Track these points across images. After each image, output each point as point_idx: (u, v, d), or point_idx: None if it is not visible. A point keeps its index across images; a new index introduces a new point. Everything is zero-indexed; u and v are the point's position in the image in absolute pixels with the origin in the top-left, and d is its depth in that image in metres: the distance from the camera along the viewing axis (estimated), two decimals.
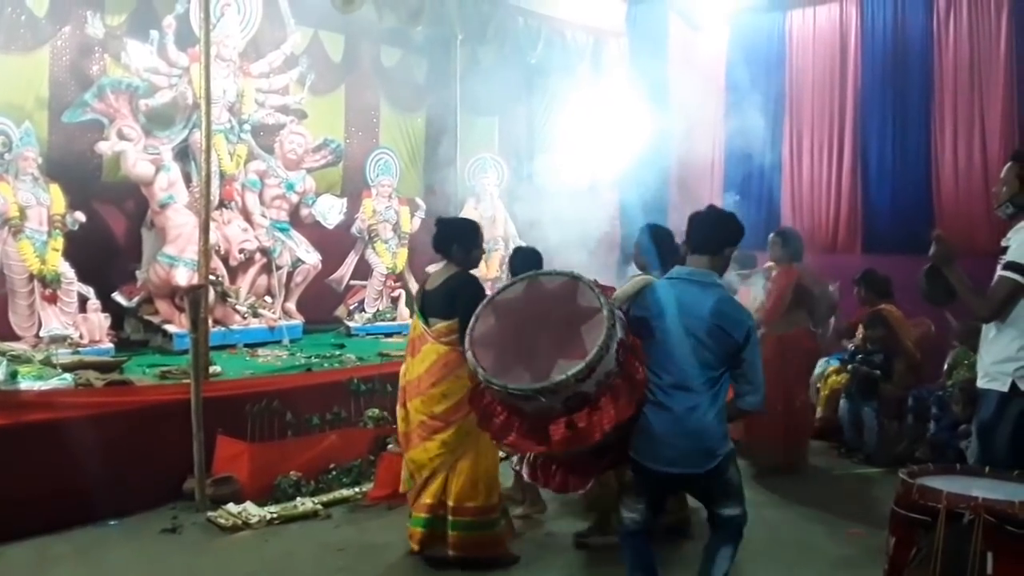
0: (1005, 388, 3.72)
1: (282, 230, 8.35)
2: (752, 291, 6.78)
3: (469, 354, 2.97)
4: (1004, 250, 3.84)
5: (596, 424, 2.91)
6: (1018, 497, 2.91)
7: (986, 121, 8.09)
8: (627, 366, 3.06)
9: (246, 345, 7.68)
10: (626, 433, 3.18)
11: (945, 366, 6.51)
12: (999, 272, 3.78)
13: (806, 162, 9.28)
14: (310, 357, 7.32)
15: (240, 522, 4.94)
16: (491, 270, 9.58)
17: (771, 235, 6.47)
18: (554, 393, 2.85)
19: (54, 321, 6.76)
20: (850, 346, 7.01)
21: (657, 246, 4.57)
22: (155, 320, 7.54)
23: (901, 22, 8.64)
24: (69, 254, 6.94)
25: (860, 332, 6.98)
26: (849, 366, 6.74)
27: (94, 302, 7.04)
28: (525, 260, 5.33)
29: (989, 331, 3.85)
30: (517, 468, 3.20)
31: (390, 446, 5.76)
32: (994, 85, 8.03)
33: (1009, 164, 3.94)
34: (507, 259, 9.45)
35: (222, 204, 7.90)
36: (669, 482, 3.36)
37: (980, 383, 3.88)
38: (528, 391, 2.85)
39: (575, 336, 2.94)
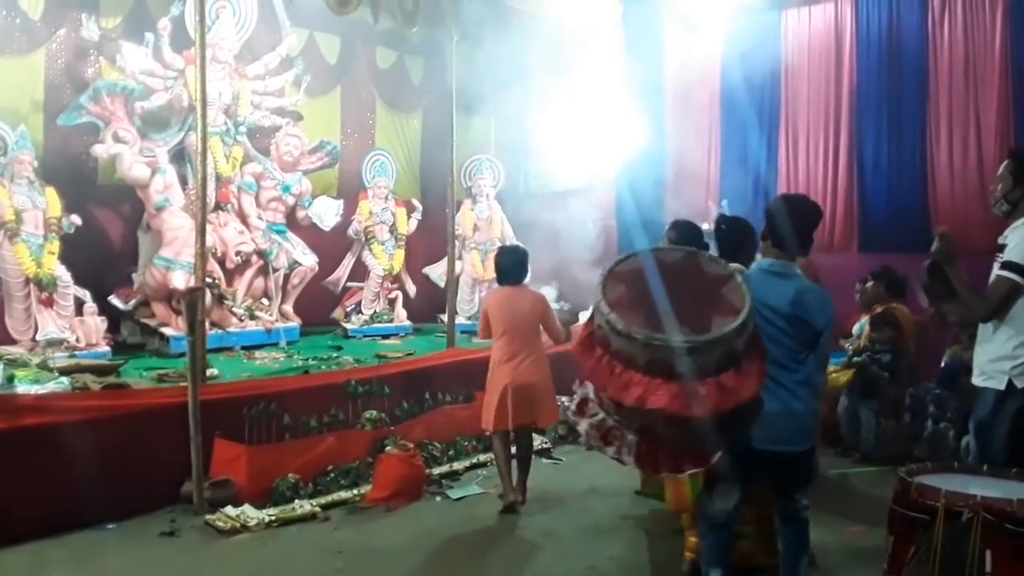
0: (1002, 386, 3.73)
1: (278, 232, 8.34)
2: None
3: (613, 316, 2.86)
4: (1001, 248, 3.84)
5: (744, 384, 2.93)
6: (1016, 495, 2.92)
7: (981, 120, 8.11)
8: (756, 335, 3.09)
9: (243, 347, 7.68)
10: (732, 418, 3.14)
11: (942, 364, 6.52)
12: (997, 272, 3.78)
13: (802, 161, 9.29)
14: (307, 359, 7.31)
15: (238, 525, 4.93)
16: (488, 271, 9.57)
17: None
18: (717, 345, 2.85)
19: (50, 324, 6.76)
20: (848, 346, 7.00)
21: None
22: (152, 323, 7.53)
23: (896, 21, 8.65)
24: (65, 257, 6.93)
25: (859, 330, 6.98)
26: (854, 360, 6.68)
27: (90, 305, 7.04)
28: (511, 259, 5.53)
29: (986, 329, 3.86)
30: (617, 456, 3.19)
31: (388, 448, 5.76)
32: (989, 84, 8.04)
33: (1006, 162, 3.95)
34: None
35: (218, 206, 7.89)
36: (768, 464, 3.40)
37: (977, 381, 3.88)
38: (697, 343, 2.82)
39: (719, 297, 2.97)
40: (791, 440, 3.36)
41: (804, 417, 3.39)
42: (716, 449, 3.16)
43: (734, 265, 3.47)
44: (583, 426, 3.27)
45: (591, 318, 3.13)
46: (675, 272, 3.10)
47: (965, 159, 8.19)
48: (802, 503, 3.54)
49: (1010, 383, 3.72)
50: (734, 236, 4.38)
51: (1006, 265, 3.73)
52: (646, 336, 2.81)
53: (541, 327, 5.43)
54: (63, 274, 6.88)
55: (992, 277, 3.81)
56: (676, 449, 3.16)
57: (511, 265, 5.54)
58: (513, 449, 5.54)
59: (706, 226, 8.47)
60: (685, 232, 4.74)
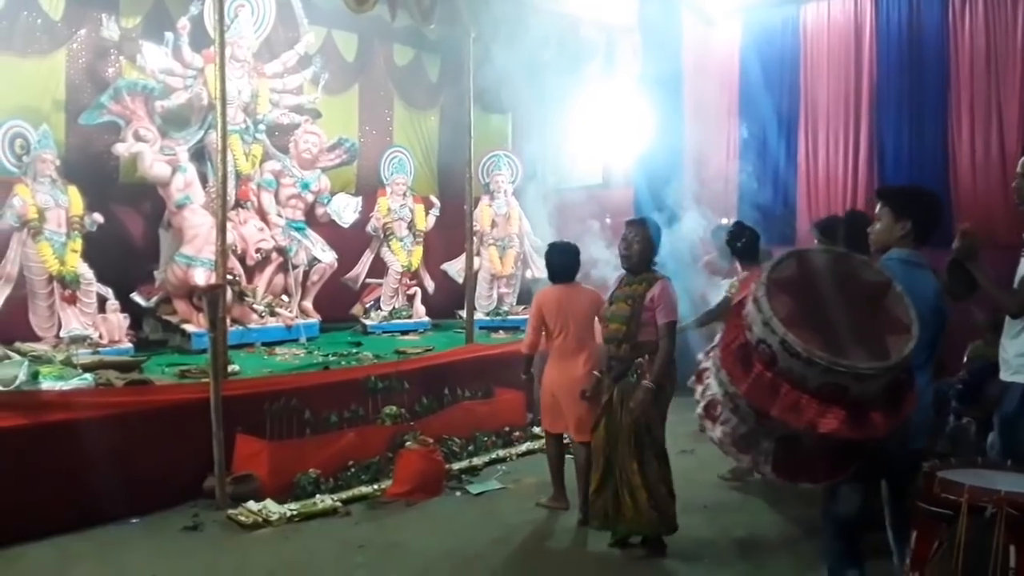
0: None
1: (298, 229, 8.38)
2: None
3: (790, 336, 2.69)
4: None
5: (910, 402, 2.88)
6: None
7: (1003, 113, 8.02)
8: None
9: (264, 344, 7.72)
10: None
11: (964, 359, 6.46)
12: None
13: (822, 156, 9.22)
14: (327, 355, 7.35)
15: (260, 519, 4.97)
16: (506, 267, 9.58)
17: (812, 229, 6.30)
18: (896, 369, 2.76)
19: (74, 322, 6.82)
20: None
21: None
22: (173, 320, 7.59)
23: (916, 14, 8.57)
24: (88, 255, 7.00)
25: None
26: None
27: (113, 302, 7.09)
28: (563, 256, 5.29)
29: (1013, 324, 3.81)
30: (754, 466, 3.06)
31: (408, 443, 5.79)
32: (1011, 76, 7.95)
33: None
34: (528, 257, 9.53)
35: (238, 204, 7.93)
36: (894, 463, 3.34)
37: (1004, 376, 3.83)
38: (880, 370, 2.71)
39: (884, 311, 2.86)
40: (917, 438, 3.33)
41: (926, 414, 3.37)
42: (858, 459, 3.04)
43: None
44: (717, 433, 3.09)
45: (738, 327, 2.93)
46: (832, 279, 2.96)
47: (987, 153, 8.10)
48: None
49: None
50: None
51: None
52: (830, 362, 2.66)
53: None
54: (86, 272, 6.94)
55: (1022, 272, 3.75)
56: (817, 459, 3.02)
57: (564, 262, 5.28)
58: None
59: (724, 221, 8.47)
60: (645, 229, 4.71)
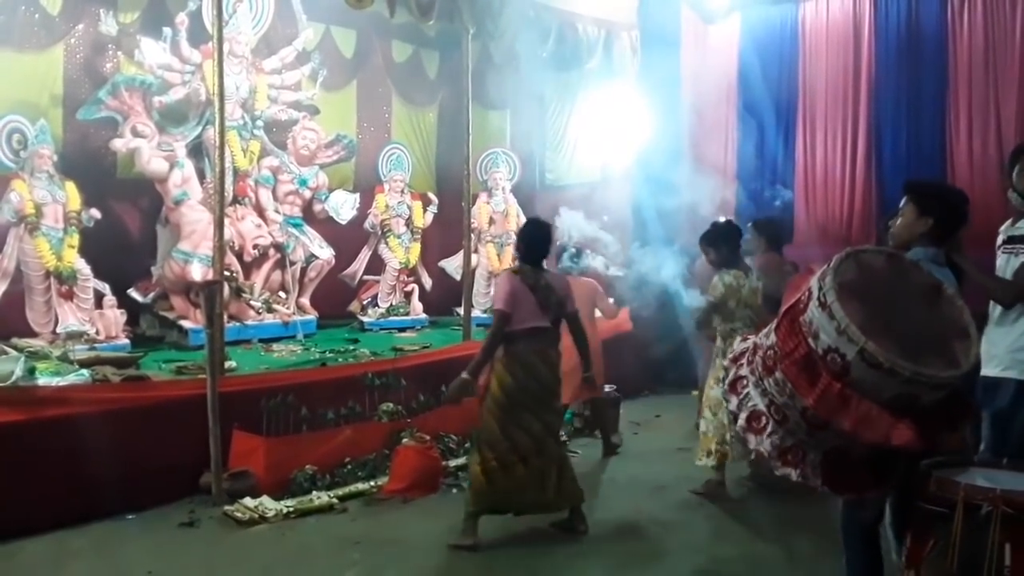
0: (1023, 376, 3.69)
1: (295, 226, 8.37)
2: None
3: (871, 345, 2.54)
4: (1010, 240, 3.81)
5: (968, 408, 2.86)
6: None
7: (1001, 110, 8.04)
8: None
9: (261, 340, 7.69)
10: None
11: None
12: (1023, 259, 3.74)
13: (820, 154, 9.23)
14: (324, 352, 7.33)
15: (257, 516, 4.97)
16: (504, 264, 9.57)
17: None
18: (969, 375, 2.72)
19: (70, 317, 6.80)
20: None
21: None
22: (170, 316, 7.57)
23: (915, 12, 8.58)
24: (85, 251, 6.98)
25: None
26: None
27: (110, 298, 7.08)
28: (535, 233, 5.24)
29: (1002, 318, 3.80)
30: (803, 479, 2.89)
31: (404, 440, 5.79)
32: (1010, 75, 7.97)
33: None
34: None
35: (236, 200, 7.92)
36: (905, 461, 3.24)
37: (994, 371, 3.80)
38: (956, 377, 2.63)
39: (942, 314, 2.79)
40: None
41: None
42: (900, 468, 2.95)
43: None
44: (766, 446, 2.92)
45: (797, 334, 2.76)
46: (892, 281, 2.86)
47: (985, 150, 8.12)
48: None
49: None
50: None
51: None
52: (913, 372, 2.54)
53: None
54: (83, 267, 6.93)
55: (1019, 264, 3.75)
56: (863, 470, 2.92)
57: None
58: None
59: (723, 219, 8.46)
60: (534, 232, 4.89)
